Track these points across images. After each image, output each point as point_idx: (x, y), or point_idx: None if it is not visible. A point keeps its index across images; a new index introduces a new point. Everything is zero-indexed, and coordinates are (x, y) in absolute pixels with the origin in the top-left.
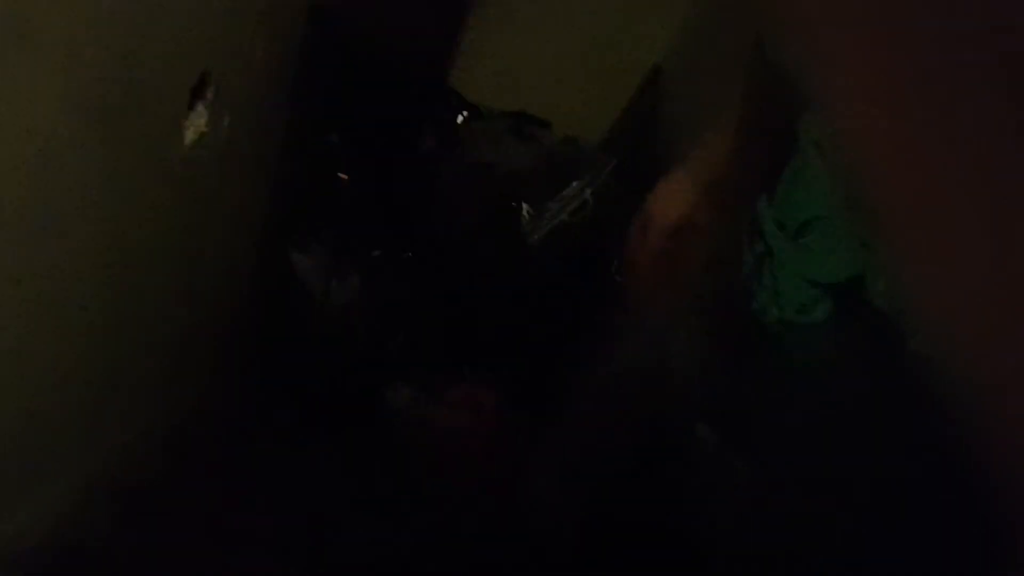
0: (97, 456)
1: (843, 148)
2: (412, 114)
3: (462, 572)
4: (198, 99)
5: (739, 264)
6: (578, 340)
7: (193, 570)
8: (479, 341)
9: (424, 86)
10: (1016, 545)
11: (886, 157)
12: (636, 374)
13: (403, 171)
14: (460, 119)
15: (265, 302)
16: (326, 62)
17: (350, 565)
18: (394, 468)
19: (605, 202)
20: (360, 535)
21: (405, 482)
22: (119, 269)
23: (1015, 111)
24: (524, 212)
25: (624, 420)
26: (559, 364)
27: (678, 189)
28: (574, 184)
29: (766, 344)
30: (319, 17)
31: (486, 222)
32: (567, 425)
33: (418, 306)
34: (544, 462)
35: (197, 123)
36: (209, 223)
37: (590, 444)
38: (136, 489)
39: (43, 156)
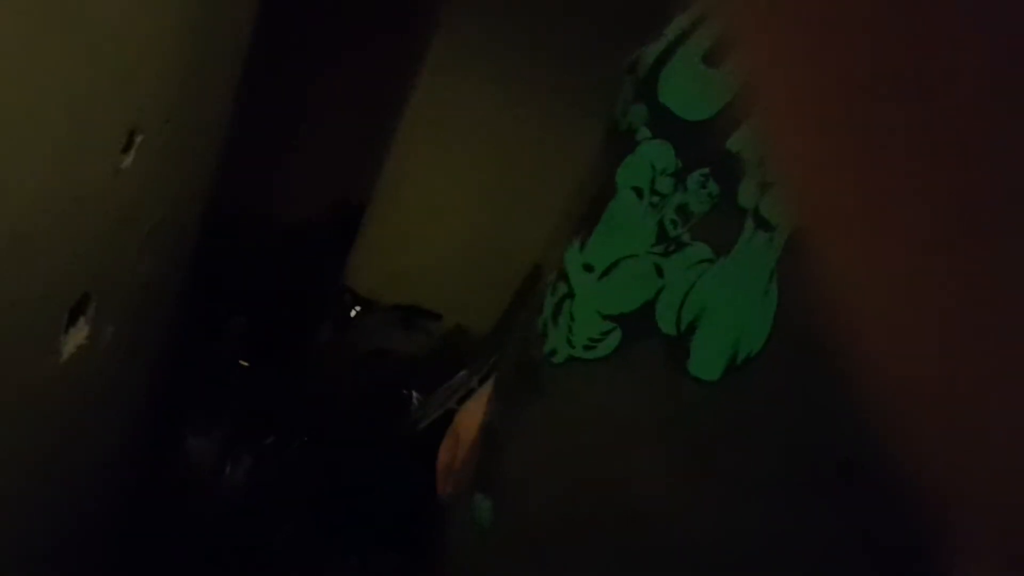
0: None
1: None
2: (309, 308)
3: None
4: (79, 315)
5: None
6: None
7: None
8: (365, 529)
9: (321, 283)
10: None
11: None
12: None
13: (299, 361)
14: (354, 312)
15: (155, 490)
16: (227, 266)
17: None
18: None
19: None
20: None
21: None
22: None
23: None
24: (414, 399)
25: None
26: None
27: (483, 405)
28: (462, 373)
29: (544, 388)
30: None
31: (377, 408)
32: None
33: (306, 495)
34: None
35: (77, 337)
36: (91, 428)
37: None
38: None
39: None
